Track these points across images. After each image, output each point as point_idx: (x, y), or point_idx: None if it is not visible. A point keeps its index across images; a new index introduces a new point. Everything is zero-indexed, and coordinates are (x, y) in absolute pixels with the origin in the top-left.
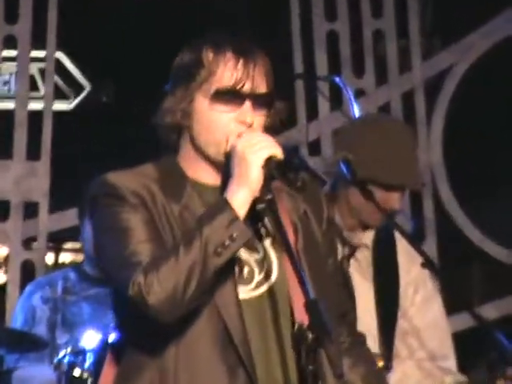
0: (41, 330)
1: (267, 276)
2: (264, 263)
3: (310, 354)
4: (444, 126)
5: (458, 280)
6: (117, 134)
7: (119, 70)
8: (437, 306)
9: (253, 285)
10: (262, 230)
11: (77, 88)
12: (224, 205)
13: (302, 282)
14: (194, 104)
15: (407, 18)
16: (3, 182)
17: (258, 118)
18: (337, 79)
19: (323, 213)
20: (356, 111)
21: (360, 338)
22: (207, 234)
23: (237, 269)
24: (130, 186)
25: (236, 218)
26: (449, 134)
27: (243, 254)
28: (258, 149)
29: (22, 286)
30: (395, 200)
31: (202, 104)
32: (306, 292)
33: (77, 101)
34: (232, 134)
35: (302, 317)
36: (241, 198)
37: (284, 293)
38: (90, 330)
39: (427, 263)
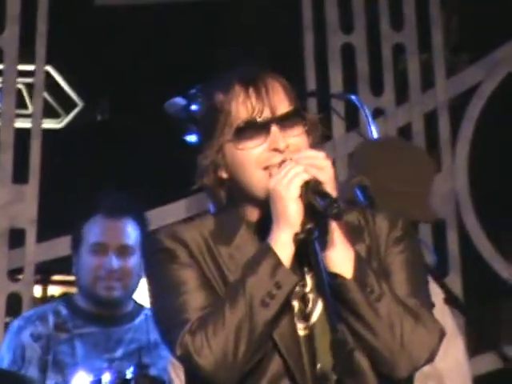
0: (32, 371)
1: (313, 308)
2: (310, 295)
3: None
4: (470, 149)
5: (485, 318)
6: (111, 154)
7: (114, 86)
8: (458, 347)
9: (313, 319)
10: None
11: (68, 105)
12: (266, 251)
13: (329, 319)
14: (224, 153)
15: (430, 30)
16: None
17: (294, 138)
18: (353, 97)
19: (397, 224)
20: (374, 132)
21: None
22: (251, 286)
23: (297, 303)
24: (176, 237)
25: (279, 263)
26: (475, 159)
27: (298, 289)
28: (288, 181)
29: (7, 321)
30: None
31: (230, 149)
32: (332, 330)
33: (68, 119)
34: (269, 165)
35: None
36: (283, 240)
37: (326, 330)
38: (81, 371)
39: (451, 299)
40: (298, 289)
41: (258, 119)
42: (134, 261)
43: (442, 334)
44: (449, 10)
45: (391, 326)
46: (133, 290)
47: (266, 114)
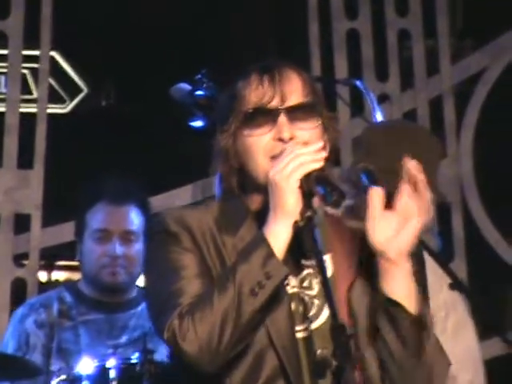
0: (36, 357)
1: (319, 311)
2: (315, 300)
3: (334, 382)
4: (475, 135)
5: (491, 303)
6: (117, 139)
7: (119, 71)
8: (470, 334)
9: (306, 323)
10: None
11: (73, 90)
12: (260, 241)
13: (330, 306)
14: (235, 139)
15: (435, 16)
16: None
17: (302, 131)
18: (358, 83)
19: None
20: (379, 118)
21: None
22: (241, 274)
23: (293, 306)
24: (182, 222)
25: (271, 254)
26: (480, 144)
27: (298, 290)
28: (288, 173)
29: (12, 306)
30: None
31: (240, 135)
32: (332, 316)
33: (73, 104)
34: (274, 155)
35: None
36: (278, 230)
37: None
38: (86, 357)
39: (456, 285)
40: (295, 290)
41: (267, 106)
42: (138, 247)
43: None
44: None
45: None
46: (137, 276)
47: (276, 102)
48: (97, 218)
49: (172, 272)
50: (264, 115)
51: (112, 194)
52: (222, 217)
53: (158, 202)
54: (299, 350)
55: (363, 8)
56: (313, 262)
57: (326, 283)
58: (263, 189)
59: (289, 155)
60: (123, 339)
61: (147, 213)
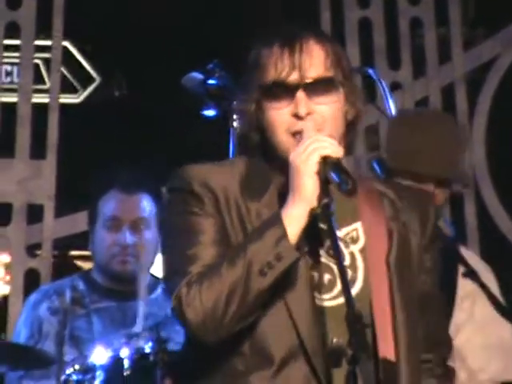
0: (48, 345)
1: (351, 283)
2: (348, 270)
3: (350, 372)
4: (487, 122)
5: (503, 291)
6: (129, 129)
7: (131, 61)
8: (502, 322)
9: (334, 292)
10: (352, 235)
11: (85, 80)
12: (275, 221)
13: (345, 291)
14: (257, 107)
15: (447, 4)
16: (5, 183)
17: (320, 106)
18: (370, 71)
19: (427, 226)
20: (391, 106)
21: (449, 374)
22: (252, 252)
23: (317, 275)
24: (207, 184)
25: (285, 235)
26: (493, 132)
27: (326, 259)
28: (307, 156)
29: (26, 297)
30: None
31: (262, 105)
32: (348, 302)
33: (85, 94)
34: (294, 131)
35: (384, 330)
36: (295, 214)
37: (367, 302)
38: (99, 346)
39: (469, 273)
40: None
41: (286, 81)
42: (149, 235)
43: None
44: None
45: None
46: (148, 265)
47: (295, 76)
48: (108, 205)
49: (190, 235)
50: (282, 90)
51: (124, 182)
52: (247, 178)
53: None
54: (319, 319)
55: None
56: (342, 233)
57: (343, 273)
58: (283, 160)
59: (309, 139)
60: (136, 327)
61: (159, 201)
